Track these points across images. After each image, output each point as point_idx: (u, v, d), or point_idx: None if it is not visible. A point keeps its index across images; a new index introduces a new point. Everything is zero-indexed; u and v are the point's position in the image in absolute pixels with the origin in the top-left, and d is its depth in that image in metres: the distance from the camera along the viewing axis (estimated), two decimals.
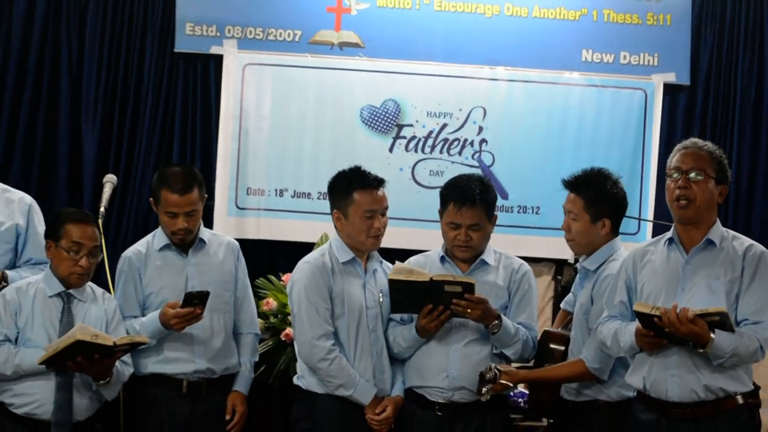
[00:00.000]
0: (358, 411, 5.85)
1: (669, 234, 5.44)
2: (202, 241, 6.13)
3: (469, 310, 5.65)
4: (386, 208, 5.97)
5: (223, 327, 6.08)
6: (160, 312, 5.85)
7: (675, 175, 5.31)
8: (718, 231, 5.35)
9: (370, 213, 5.87)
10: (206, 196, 6.21)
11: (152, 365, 5.97)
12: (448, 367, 5.82)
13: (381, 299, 5.96)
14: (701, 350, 5.07)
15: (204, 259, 6.12)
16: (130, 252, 6.12)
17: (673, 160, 5.36)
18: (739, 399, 5.22)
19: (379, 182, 5.97)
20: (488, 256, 5.95)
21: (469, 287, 5.63)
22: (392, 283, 5.74)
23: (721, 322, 5.04)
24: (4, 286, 5.81)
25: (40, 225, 6.17)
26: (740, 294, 5.22)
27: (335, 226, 6.02)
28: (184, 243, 6.07)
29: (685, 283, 5.29)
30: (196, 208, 6.00)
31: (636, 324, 5.23)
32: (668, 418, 5.26)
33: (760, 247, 5.32)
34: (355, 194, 5.88)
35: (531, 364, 6.17)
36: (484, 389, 5.62)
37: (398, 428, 5.93)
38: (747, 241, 5.35)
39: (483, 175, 6.13)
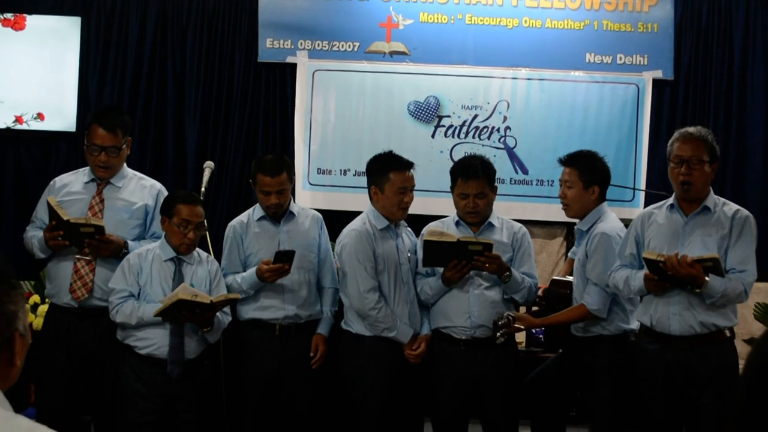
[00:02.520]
0: (398, 348, 5.93)
1: (670, 200, 5.54)
2: (291, 213, 6.14)
3: (487, 265, 5.72)
4: (414, 186, 6.00)
5: (308, 281, 6.09)
6: (257, 268, 5.90)
7: (677, 162, 5.37)
8: (712, 199, 5.44)
9: (402, 189, 5.91)
10: (294, 177, 6.25)
11: (251, 312, 6.03)
12: (470, 309, 5.87)
13: (410, 256, 6.02)
14: (697, 290, 5.18)
15: (293, 227, 6.13)
16: (235, 221, 6.19)
17: (674, 147, 5.44)
18: (727, 333, 5.40)
19: (410, 165, 6.01)
20: (493, 219, 6.00)
21: (488, 247, 5.72)
22: (426, 243, 5.81)
23: (714, 267, 5.15)
24: (125, 254, 5.85)
25: None
26: (728, 248, 5.33)
27: (371, 199, 6.04)
28: (277, 215, 6.08)
29: (684, 239, 5.38)
30: (285, 187, 6.03)
31: (644, 271, 5.32)
32: (670, 348, 5.35)
33: (745, 211, 5.42)
34: (391, 174, 5.93)
35: (538, 305, 6.27)
36: (498, 333, 5.71)
37: (429, 362, 5.98)
38: (735, 206, 5.46)
39: (501, 157, 6.11)
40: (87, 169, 6.07)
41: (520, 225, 6.13)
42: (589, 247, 5.77)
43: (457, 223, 6.01)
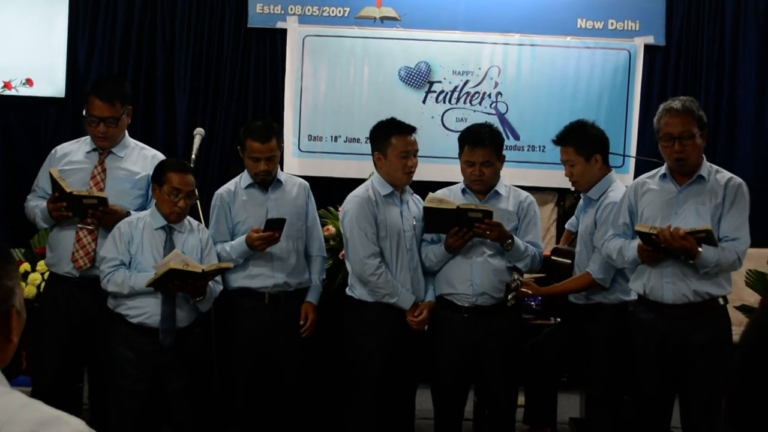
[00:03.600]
0: (400, 315, 5.85)
1: (663, 170, 5.43)
2: (279, 181, 6.05)
3: (488, 232, 5.64)
4: (417, 150, 5.92)
5: (296, 249, 6.02)
6: (246, 236, 5.82)
7: (668, 140, 5.26)
8: (706, 167, 5.34)
9: (405, 153, 5.83)
10: (283, 144, 6.16)
11: (240, 280, 5.94)
12: (472, 276, 5.79)
13: (414, 224, 5.94)
14: (691, 261, 5.12)
15: (281, 195, 6.04)
16: (222, 190, 6.09)
17: (662, 124, 5.32)
18: (721, 300, 5.33)
19: (412, 129, 5.93)
20: (500, 188, 5.92)
21: (488, 214, 5.63)
22: (426, 210, 5.74)
23: (707, 238, 5.10)
24: None
25: None
26: (722, 217, 5.26)
27: (375, 165, 5.96)
28: (265, 182, 5.99)
29: (677, 209, 5.30)
30: (275, 154, 5.95)
31: (637, 241, 5.26)
32: (663, 316, 5.29)
33: (738, 179, 5.34)
34: (393, 138, 5.84)
35: (543, 275, 6.19)
36: (509, 296, 5.65)
37: (432, 328, 5.92)
38: (728, 174, 5.36)
39: (492, 123, 6.11)
40: (89, 138, 5.98)
41: (527, 194, 6.05)
42: (600, 216, 5.71)
43: (463, 191, 5.95)
